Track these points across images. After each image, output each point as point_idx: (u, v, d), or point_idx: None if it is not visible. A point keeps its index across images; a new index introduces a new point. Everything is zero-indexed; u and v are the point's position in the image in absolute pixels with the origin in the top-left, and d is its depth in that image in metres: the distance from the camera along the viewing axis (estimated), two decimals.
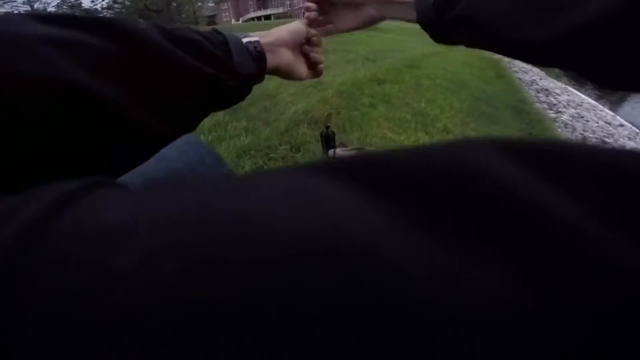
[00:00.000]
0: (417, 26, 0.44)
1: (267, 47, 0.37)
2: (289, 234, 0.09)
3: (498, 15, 0.35)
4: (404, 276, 0.09)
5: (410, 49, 6.26)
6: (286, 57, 0.41)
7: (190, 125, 0.33)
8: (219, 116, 2.02)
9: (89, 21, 0.23)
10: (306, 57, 0.46)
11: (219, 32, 0.34)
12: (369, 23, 0.49)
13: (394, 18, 0.47)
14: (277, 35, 0.40)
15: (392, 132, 2.10)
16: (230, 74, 0.32)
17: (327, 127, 0.60)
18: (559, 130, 3.45)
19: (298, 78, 0.45)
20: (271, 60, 0.38)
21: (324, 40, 0.49)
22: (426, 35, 0.47)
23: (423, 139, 2.14)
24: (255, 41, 0.36)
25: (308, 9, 0.49)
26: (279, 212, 0.10)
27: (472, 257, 0.09)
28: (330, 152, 0.60)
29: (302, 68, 0.45)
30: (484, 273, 0.09)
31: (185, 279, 0.09)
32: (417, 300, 0.08)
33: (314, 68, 0.47)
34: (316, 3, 0.50)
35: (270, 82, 3.06)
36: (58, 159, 0.22)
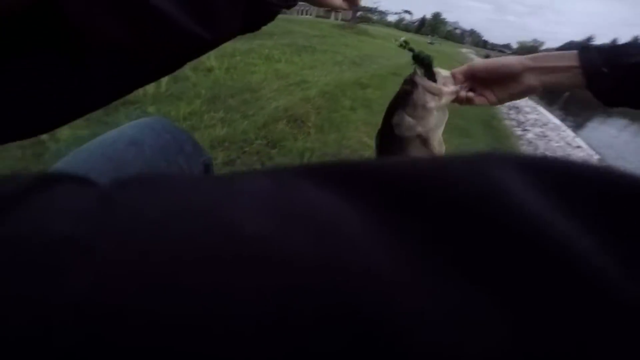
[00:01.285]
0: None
1: None
2: (281, 252, 0.09)
3: None
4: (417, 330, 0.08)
5: (395, 57, 6.34)
6: None
7: (227, 36, 0.36)
8: (195, 105, 1.95)
9: None
10: None
11: None
12: (528, 93, 0.47)
13: (557, 87, 0.45)
14: None
15: (368, 137, 2.10)
16: None
17: (415, 51, 0.51)
18: (523, 147, 3.56)
19: (331, 5, 0.44)
20: None
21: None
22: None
23: None
24: None
25: (458, 88, 0.47)
26: (269, 225, 0.09)
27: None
28: (419, 72, 0.48)
29: None
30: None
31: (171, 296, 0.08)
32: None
33: None
34: (465, 80, 0.49)
35: (254, 76, 3.02)
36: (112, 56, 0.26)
